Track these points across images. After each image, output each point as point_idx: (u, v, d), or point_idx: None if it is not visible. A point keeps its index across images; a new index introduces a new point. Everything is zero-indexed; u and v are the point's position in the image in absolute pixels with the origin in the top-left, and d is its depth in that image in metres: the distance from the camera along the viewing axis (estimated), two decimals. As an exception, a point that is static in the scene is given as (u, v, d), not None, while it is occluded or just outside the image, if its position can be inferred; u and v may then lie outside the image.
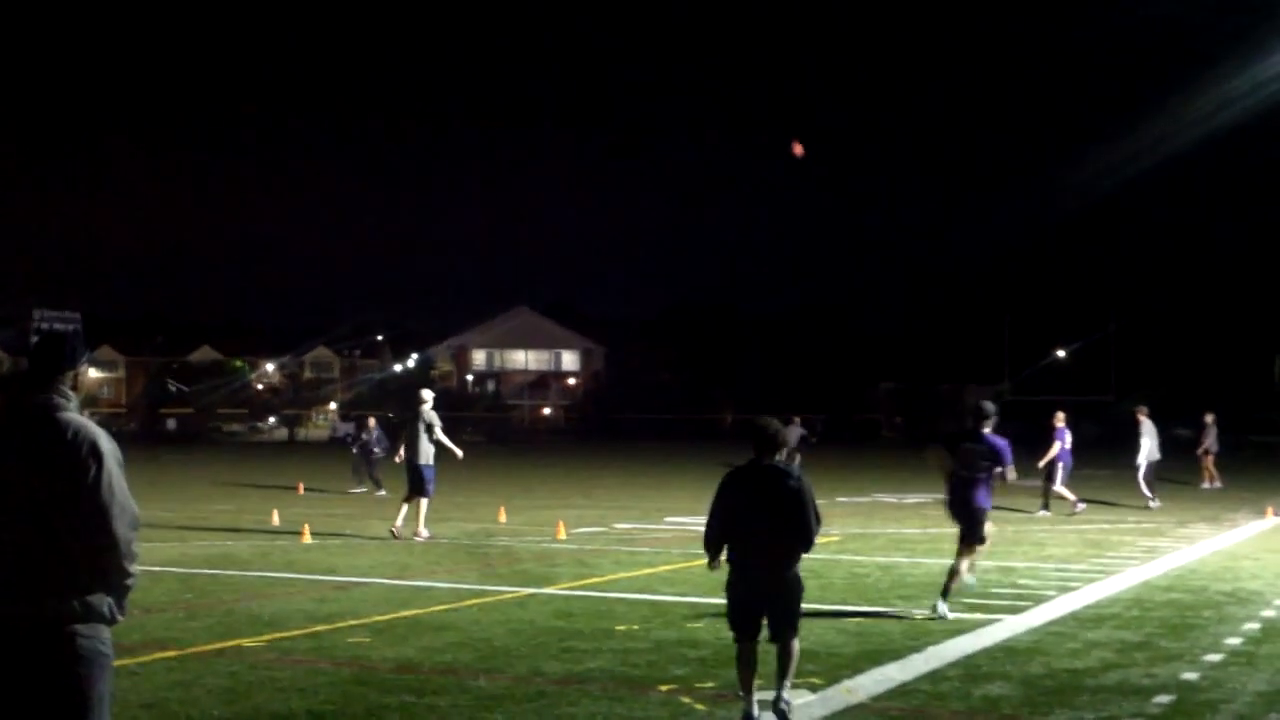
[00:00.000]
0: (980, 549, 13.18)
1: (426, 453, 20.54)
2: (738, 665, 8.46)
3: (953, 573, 12.71)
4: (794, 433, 43.24)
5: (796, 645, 8.54)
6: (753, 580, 8.39)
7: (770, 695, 8.51)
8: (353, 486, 32.91)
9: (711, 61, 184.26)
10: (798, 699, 8.78)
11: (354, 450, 34.74)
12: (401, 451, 21.17)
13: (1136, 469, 27.11)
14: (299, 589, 14.69)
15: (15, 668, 4.68)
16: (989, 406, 13.21)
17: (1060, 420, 25.91)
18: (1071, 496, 25.21)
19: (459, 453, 21.32)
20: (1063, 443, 25.59)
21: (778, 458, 8.51)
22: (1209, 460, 33.59)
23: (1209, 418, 33.82)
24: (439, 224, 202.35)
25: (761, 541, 8.35)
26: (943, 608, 12.36)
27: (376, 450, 33.25)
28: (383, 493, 31.55)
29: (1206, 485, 32.84)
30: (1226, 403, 44.06)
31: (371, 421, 35.35)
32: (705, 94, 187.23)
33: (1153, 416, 27.75)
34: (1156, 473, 27.39)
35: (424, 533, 20.33)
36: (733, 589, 8.47)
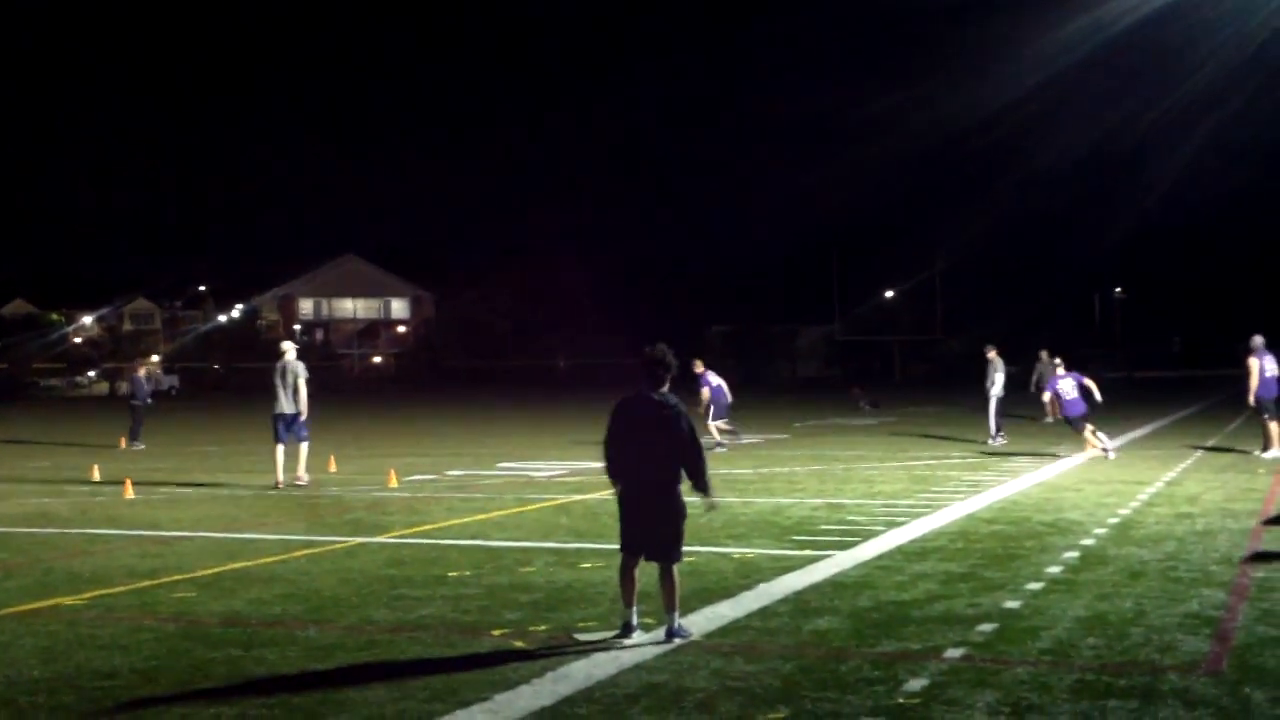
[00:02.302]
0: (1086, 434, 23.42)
1: (292, 402, 20.77)
2: (620, 578, 9.04)
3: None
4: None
5: (676, 573, 8.96)
6: (635, 500, 9.01)
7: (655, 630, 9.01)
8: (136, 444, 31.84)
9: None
10: (630, 640, 8.81)
11: (133, 403, 33.03)
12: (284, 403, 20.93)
13: (988, 403, 27.94)
14: (121, 545, 14.32)
15: None
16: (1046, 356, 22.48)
17: (699, 367, 28.16)
18: (717, 437, 27.09)
19: (304, 411, 21.06)
20: (709, 386, 27.59)
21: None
22: (1047, 395, 34.47)
23: (1044, 354, 34.83)
24: (263, 170, 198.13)
25: (641, 464, 8.99)
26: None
27: (135, 401, 32.69)
28: (140, 446, 31.26)
29: (1050, 419, 33.61)
30: (1049, 341, 45.47)
31: (142, 372, 34.80)
32: (528, 25, 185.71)
33: (1001, 355, 28.64)
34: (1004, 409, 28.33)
35: (305, 477, 20.76)
36: (620, 507, 9.12)
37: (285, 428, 20.82)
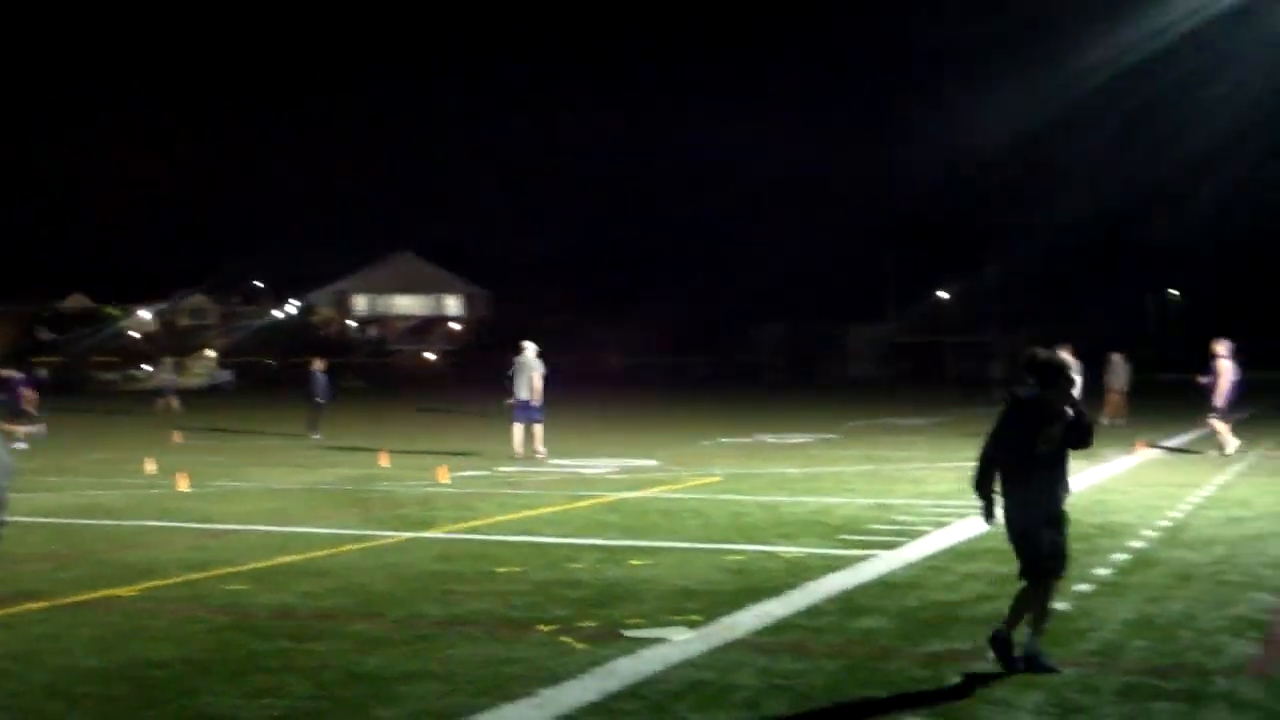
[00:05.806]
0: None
1: (528, 390, 24.75)
2: (1025, 602, 8.25)
3: None
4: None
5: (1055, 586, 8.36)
6: (1037, 512, 8.56)
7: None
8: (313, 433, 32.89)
9: None
10: (677, 635, 8.84)
11: (316, 399, 33.95)
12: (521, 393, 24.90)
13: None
14: (174, 537, 14.48)
15: None
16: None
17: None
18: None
19: (537, 399, 24.86)
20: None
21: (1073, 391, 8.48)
22: (1114, 397, 34.20)
23: (1116, 356, 34.30)
24: (319, 167, 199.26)
25: (1039, 471, 8.62)
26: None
27: (319, 399, 33.65)
28: (317, 437, 32.23)
29: (1105, 421, 33.15)
30: (1107, 342, 44.46)
31: (320, 366, 34.56)
32: (594, 27, 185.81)
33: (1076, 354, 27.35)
34: None
35: (542, 450, 24.64)
36: (1025, 522, 8.59)
37: (522, 411, 24.74)
